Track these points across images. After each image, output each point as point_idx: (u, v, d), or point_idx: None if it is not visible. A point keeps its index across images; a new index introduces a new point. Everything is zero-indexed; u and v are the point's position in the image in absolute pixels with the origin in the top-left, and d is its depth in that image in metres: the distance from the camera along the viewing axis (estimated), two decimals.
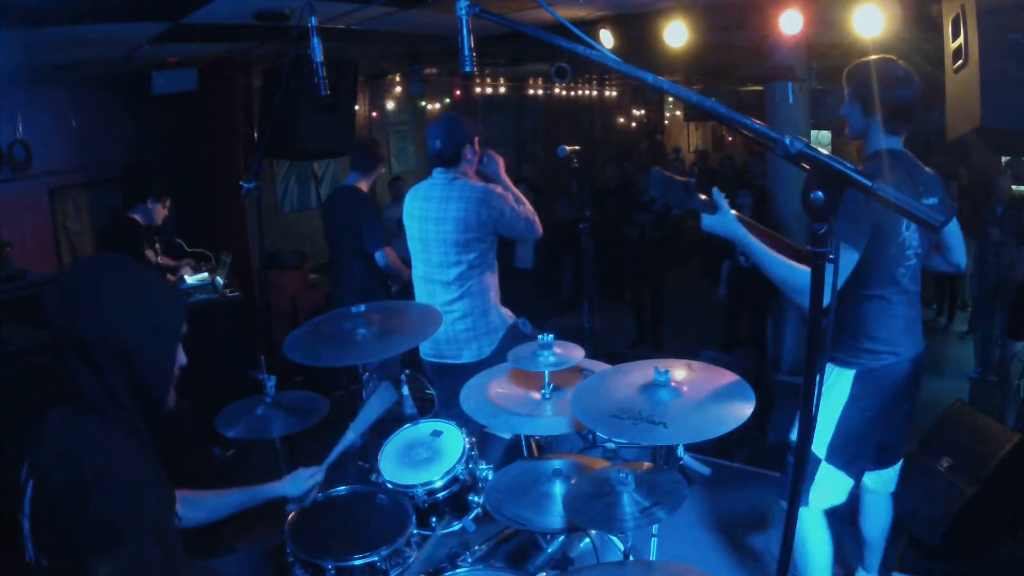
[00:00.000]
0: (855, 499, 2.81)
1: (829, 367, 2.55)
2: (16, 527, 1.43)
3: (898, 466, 2.76)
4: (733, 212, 2.32)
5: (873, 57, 2.45)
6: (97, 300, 1.43)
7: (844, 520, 2.88)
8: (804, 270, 2.24)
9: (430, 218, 3.27)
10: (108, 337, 1.42)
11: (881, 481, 2.76)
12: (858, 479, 2.63)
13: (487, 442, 3.14)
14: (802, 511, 2.58)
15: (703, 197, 2.36)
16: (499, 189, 3.25)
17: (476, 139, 3.33)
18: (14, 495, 1.44)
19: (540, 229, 3.37)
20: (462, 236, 3.21)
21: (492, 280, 3.37)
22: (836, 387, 2.52)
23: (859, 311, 2.47)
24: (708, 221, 2.30)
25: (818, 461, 2.54)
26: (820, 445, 2.54)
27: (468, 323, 3.32)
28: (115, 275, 1.49)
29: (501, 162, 3.45)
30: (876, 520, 2.82)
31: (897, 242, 2.43)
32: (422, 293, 3.45)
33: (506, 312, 3.45)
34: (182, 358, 1.58)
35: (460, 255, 3.25)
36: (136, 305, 1.47)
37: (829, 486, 2.57)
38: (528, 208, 3.31)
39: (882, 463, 2.70)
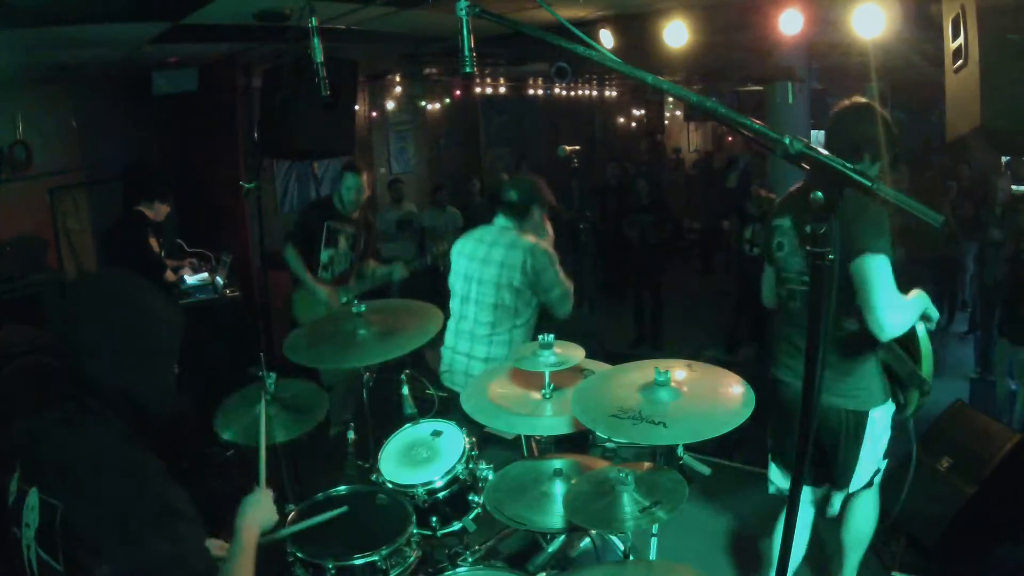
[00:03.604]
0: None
1: None
2: (7, 536, 1.43)
3: (838, 494, 2.70)
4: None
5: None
6: (98, 322, 1.45)
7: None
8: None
9: (476, 257, 3.34)
10: (107, 358, 1.44)
11: (838, 498, 2.73)
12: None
13: (488, 442, 3.14)
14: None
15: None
16: (551, 251, 3.27)
17: (548, 204, 3.41)
18: (3, 507, 1.44)
19: (571, 306, 3.35)
20: (501, 279, 3.24)
21: (521, 336, 3.35)
22: None
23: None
24: None
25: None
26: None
27: (486, 365, 3.31)
28: (117, 297, 1.50)
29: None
30: (850, 528, 2.80)
31: (775, 259, 2.59)
32: (449, 336, 3.48)
33: None
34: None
35: (496, 298, 3.26)
36: (137, 328, 1.48)
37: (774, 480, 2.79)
38: (569, 282, 3.32)
39: (816, 480, 2.71)
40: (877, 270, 2.22)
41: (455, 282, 3.47)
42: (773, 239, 2.58)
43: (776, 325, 2.68)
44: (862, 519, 2.75)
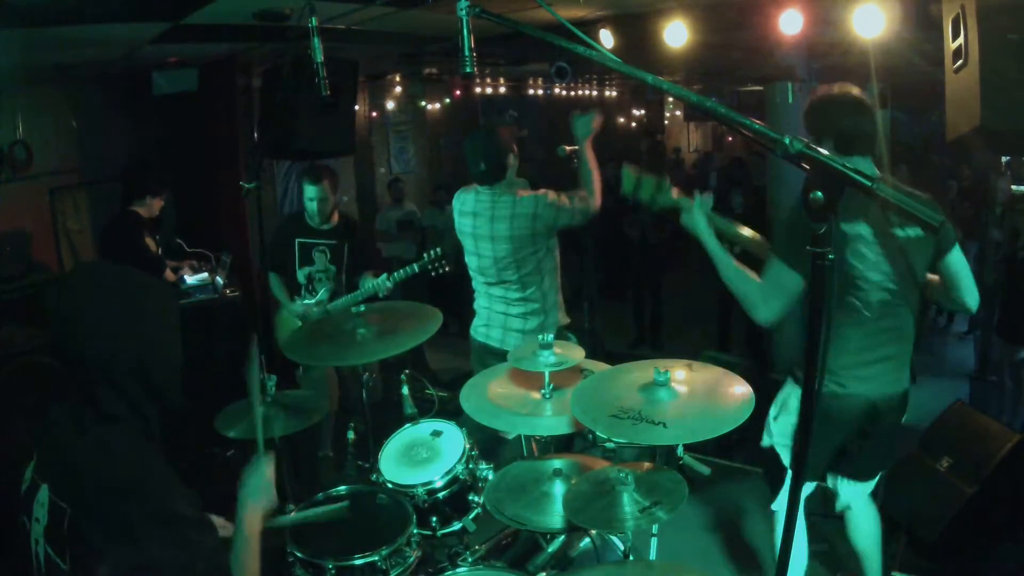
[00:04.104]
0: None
1: (789, 382, 2.63)
2: (16, 528, 1.43)
3: (868, 481, 2.69)
4: (712, 213, 2.43)
5: (829, 88, 2.46)
6: (103, 316, 1.43)
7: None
8: (751, 282, 2.34)
9: (483, 236, 3.29)
10: (120, 350, 1.42)
11: (852, 493, 2.71)
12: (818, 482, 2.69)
13: (498, 445, 3.14)
14: (778, 513, 2.68)
15: (675, 194, 2.51)
16: (551, 195, 3.22)
17: (514, 145, 3.31)
18: (14, 497, 1.45)
19: (597, 204, 3.30)
20: (518, 253, 3.23)
21: (552, 283, 3.37)
22: (791, 403, 2.58)
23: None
24: (683, 218, 2.44)
25: (784, 468, 2.61)
26: (786, 454, 2.62)
27: (524, 321, 3.34)
28: (114, 286, 1.48)
29: (597, 124, 3.30)
30: (861, 531, 2.78)
31: (841, 270, 2.34)
32: (482, 298, 3.47)
33: (562, 315, 3.46)
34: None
35: (519, 268, 3.27)
36: (141, 312, 1.46)
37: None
38: (583, 194, 3.26)
39: (852, 475, 2.68)
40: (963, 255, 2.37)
41: (470, 261, 3.44)
42: (845, 248, 2.33)
43: (838, 334, 2.39)
44: (872, 518, 2.75)
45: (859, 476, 2.67)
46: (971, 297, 2.40)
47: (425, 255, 3.93)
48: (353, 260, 4.35)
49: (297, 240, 4.28)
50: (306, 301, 4.27)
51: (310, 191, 4.20)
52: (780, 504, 2.69)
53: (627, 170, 2.57)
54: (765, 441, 2.70)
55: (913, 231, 2.34)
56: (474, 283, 3.50)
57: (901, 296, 2.39)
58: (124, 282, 1.50)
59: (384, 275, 4.11)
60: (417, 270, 3.98)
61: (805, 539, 2.74)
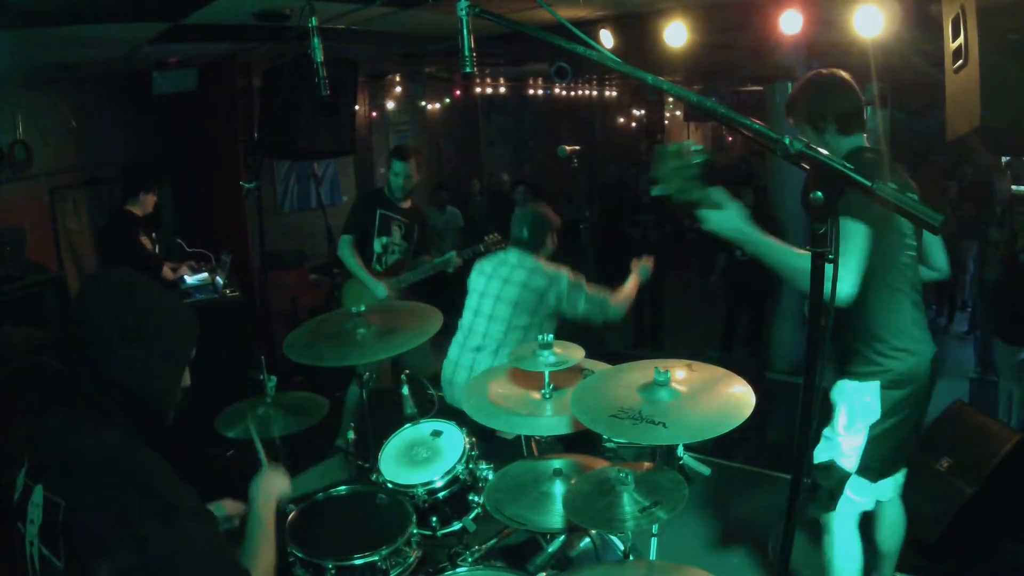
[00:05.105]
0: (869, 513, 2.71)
1: (846, 384, 2.46)
2: (11, 529, 1.43)
3: (905, 470, 2.63)
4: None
5: (809, 75, 2.51)
6: (106, 326, 1.44)
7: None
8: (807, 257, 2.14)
9: (499, 276, 3.34)
10: (113, 364, 1.43)
11: (895, 486, 2.62)
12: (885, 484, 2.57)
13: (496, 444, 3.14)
14: (834, 520, 2.54)
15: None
16: (572, 277, 3.28)
17: (555, 232, 3.45)
18: (8, 499, 1.45)
19: (619, 314, 3.38)
20: (521, 301, 3.26)
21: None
22: (861, 403, 2.42)
23: (870, 308, 2.33)
24: (715, 217, 2.01)
25: (846, 476, 2.47)
26: (850, 460, 2.47)
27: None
28: (127, 301, 1.48)
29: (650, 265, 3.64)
30: (893, 530, 2.71)
31: (893, 226, 2.35)
32: (455, 346, 3.48)
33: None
34: (186, 380, 1.58)
35: (512, 316, 3.28)
36: (144, 334, 1.46)
37: (860, 497, 2.51)
38: (611, 294, 3.34)
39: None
40: None
41: (471, 298, 3.47)
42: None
43: (895, 299, 2.43)
44: (903, 515, 2.71)
45: (906, 460, 2.58)
46: (943, 259, 2.74)
47: (487, 236, 4.44)
48: (421, 243, 4.74)
49: (379, 211, 4.54)
50: (375, 267, 4.51)
51: (398, 167, 4.52)
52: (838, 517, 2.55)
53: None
54: (822, 457, 2.52)
55: (819, 228, 2.15)
56: (456, 334, 3.51)
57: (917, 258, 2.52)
58: (141, 294, 1.51)
59: (452, 252, 4.59)
60: (483, 250, 4.38)
61: (860, 550, 2.60)
